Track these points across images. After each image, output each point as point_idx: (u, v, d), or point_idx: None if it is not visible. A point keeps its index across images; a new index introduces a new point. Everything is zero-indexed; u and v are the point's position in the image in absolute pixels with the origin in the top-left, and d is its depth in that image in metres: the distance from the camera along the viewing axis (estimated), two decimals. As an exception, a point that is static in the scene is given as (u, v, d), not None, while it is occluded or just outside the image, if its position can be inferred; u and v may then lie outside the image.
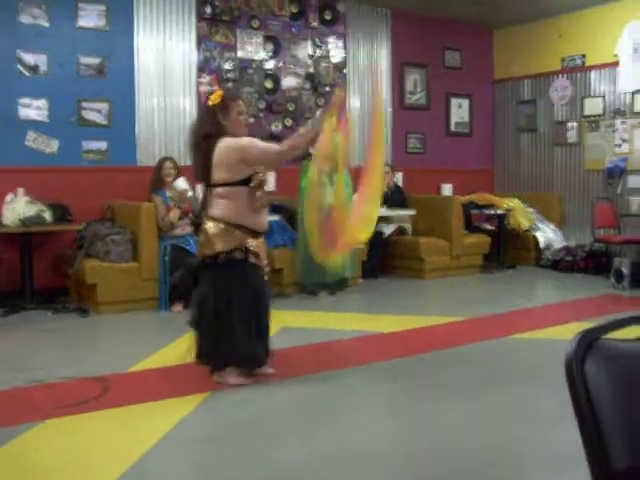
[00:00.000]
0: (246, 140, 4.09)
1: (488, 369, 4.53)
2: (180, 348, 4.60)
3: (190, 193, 6.65)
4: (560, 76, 9.63)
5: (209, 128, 4.11)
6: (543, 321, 6.09)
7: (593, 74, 9.23)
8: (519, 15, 9.58)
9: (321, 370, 4.48)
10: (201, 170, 4.12)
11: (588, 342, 1.01)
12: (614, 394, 0.99)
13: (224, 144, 4.01)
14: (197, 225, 6.90)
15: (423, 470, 3.00)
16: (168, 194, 6.76)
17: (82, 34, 7.18)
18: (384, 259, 8.44)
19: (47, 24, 6.98)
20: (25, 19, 6.87)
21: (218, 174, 4.02)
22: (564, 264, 8.74)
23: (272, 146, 4.25)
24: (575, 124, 9.46)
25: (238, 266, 4.04)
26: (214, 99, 4.20)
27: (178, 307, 6.44)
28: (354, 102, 9.07)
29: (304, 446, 3.25)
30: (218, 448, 3.22)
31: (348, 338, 5.38)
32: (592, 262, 8.54)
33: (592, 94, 9.24)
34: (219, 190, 4.06)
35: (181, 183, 6.65)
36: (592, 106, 9.22)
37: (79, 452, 3.17)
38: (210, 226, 4.06)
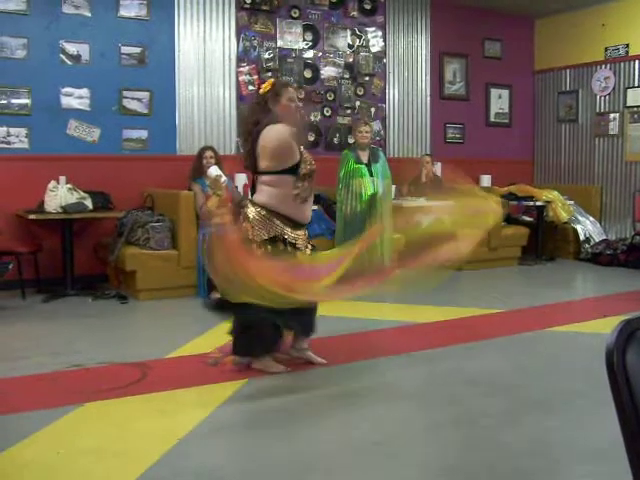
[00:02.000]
0: (279, 136, 4.00)
1: (524, 361, 4.50)
2: (218, 335, 4.65)
3: (224, 179, 6.68)
4: (603, 66, 9.48)
5: (259, 115, 4.11)
6: (581, 314, 6.02)
7: (637, 64, 9.06)
8: (561, 4, 9.44)
9: (358, 359, 4.50)
10: (248, 157, 4.14)
11: (629, 332, 1.00)
12: (655, 385, 0.98)
13: (267, 132, 4.01)
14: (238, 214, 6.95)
15: (456, 460, 2.99)
16: (207, 182, 6.81)
17: (123, 24, 7.25)
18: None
19: (89, 14, 7.06)
20: (68, 9, 6.95)
21: (263, 162, 4.04)
22: (604, 258, 8.62)
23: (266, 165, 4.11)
24: (617, 115, 9.31)
25: (274, 255, 4.02)
26: (265, 87, 4.21)
27: (216, 295, 6.48)
28: (393, 92, 9.04)
29: (338, 435, 3.26)
30: (253, 435, 3.25)
31: (385, 328, 5.38)
32: (633, 256, 8.40)
33: (635, 84, 9.07)
34: (264, 178, 4.07)
35: (213, 170, 6.68)
36: (635, 97, 9.06)
37: (116, 436, 3.22)
38: (251, 210, 4.06)
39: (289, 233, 4.06)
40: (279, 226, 4.04)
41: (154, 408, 3.60)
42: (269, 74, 8.03)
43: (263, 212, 4.03)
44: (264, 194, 4.07)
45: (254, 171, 4.17)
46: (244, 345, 4.15)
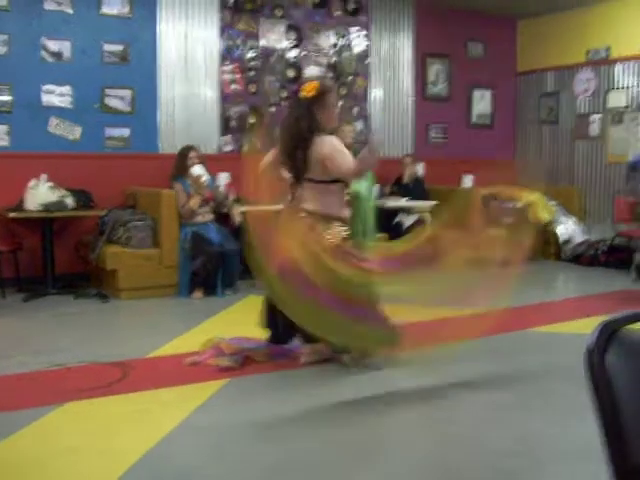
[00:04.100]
0: (332, 149, 4.03)
1: (504, 362, 4.52)
2: (200, 335, 4.63)
3: (205, 178, 6.66)
4: (584, 68, 9.54)
5: (310, 122, 4.03)
6: (562, 315, 6.05)
7: (618, 66, 9.14)
8: (543, 6, 9.49)
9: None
10: (297, 164, 4.08)
11: (610, 332, 1.01)
12: (635, 386, 0.98)
13: (322, 144, 4.00)
14: (219, 214, 6.94)
15: (436, 458, 3.01)
16: (189, 181, 6.79)
17: (106, 21, 7.20)
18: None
19: (71, 11, 7.01)
20: (49, 6, 6.90)
21: (316, 171, 4.04)
22: (585, 258, 8.69)
23: (345, 165, 4.05)
24: (598, 117, 9.38)
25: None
26: (309, 91, 4.08)
27: (198, 294, 6.48)
28: (376, 92, 9.05)
29: (321, 435, 3.27)
30: (235, 435, 3.24)
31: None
32: (613, 257, 8.47)
33: (616, 87, 9.15)
34: (331, 187, 4.09)
35: (197, 169, 6.67)
36: (616, 99, 9.14)
37: (97, 435, 3.21)
38: (334, 227, 4.08)
39: (345, 233, 4.15)
40: (338, 227, 4.11)
41: (135, 408, 3.58)
42: (252, 73, 8.03)
43: (324, 217, 4.06)
44: (318, 201, 4.08)
45: (299, 178, 4.11)
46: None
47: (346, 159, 4.02)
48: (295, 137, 4.06)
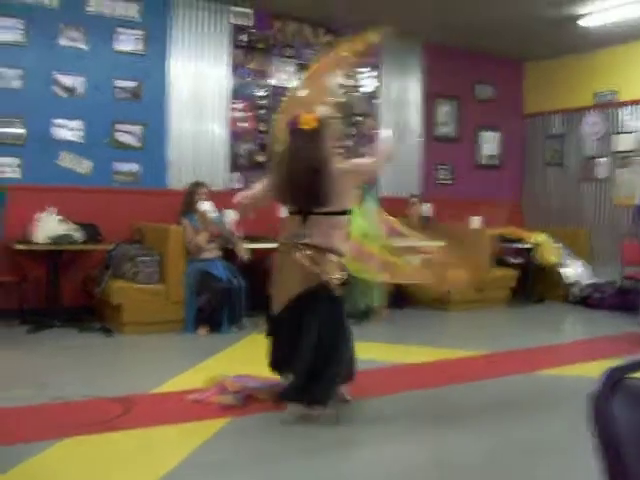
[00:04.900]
0: (349, 162, 4.09)
1: (510, 404, 4.47)
2: (204, 372, 4.61)
3: (212, 215, 6.68)
4: (592, 111, 9.60)
5: (323, 154, 3.92)
6: (568, 358, 6.01)
7: (625, 110, 9.19)
8: (551, 49, 9.58)
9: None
10: (307, 196, 3.95)
11: (614, 380, 1.00)
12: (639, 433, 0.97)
13: (336, 164, 3.96)
14: (226, 250, 6.95)
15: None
16: (196, 217, 6.81)
17: (119, 57, 7.30)
18: (409, 289, 8.40)
19: (85, 47, 7.11)
20: (64, 42, 7.01)
21: (331, 199, 3.91)
22: (592, 301, 8.65)
23: (366, 163, 4.27)
24: (605, 160, 9.40)
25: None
26: (309, 124, 3.93)
27: (203, 331, 6.46)
28: (385, 133, 9.09)
29: (322, 476, 3.23)
30: (236, 473, 3.21)
31: (371, 368, 5.35)
32: (621, 299, 8.42)
33: (623, 130, 9.19)
34: (340, 219, 4.03)
35: (205, 205, 6.69)
36: (623, 142, 9.17)
37: (97, 471, 3.17)
38: (337, 259, 4.01)
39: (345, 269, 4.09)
40: (339, 262, 4.03)
41: (137, 444, 3.55)
42: (262, 111, 8.10)
43: (326, 252, 3.98)
44: (325, 235, 3.98)
45: (308, 210, 3.99)
46: (316, 393, 3.95)
47: (364, 160, 4.28)
48: (305, 171, 3.88)
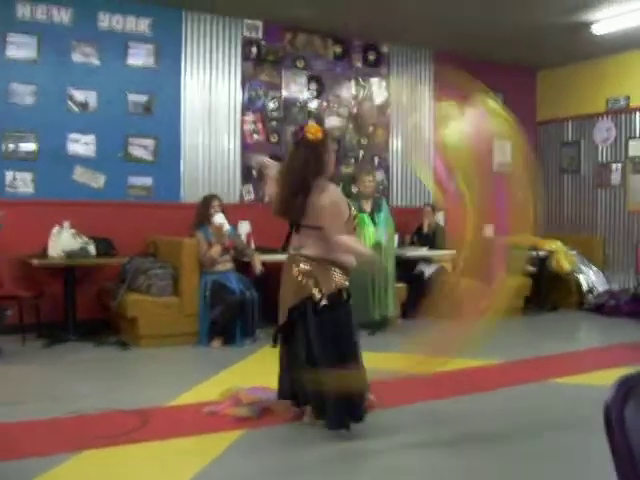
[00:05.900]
0: (331, 205, 3.84)
1: (525, 413, 4.45)
2: (218, 384, 4.61)
3: (226, 227, 6.69)
4: (604, 117, 9.57)
5: (319, 167, 3.87)
6: (583, 366, 5.97)
7: (638, 115, 9.16)
8: (562, 56, 9.57)
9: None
10: (298, 208, 3.86)
11: (627, 388, 1.00)
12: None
13: (324, 193, 3.83)
14: (240, 263, 6.96)
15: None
16: (210, 230, 6.83)
17: (131, 72, 7.36)
18: (424, 299, 8.37)
19: (98, 62, 7.17)
20: (77, 57, 7.07)
21: (321, 220, 3.82)
22: (607, 308, 8.60)
23: (334, 230, 3.83)
24: (619, 166, 9.37)
25: (343, 308, 3.93)
26: (315, 134, 3.89)
27: (217, 343, 6.47)
28: (396, 143, 9.11)
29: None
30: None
31: (384, 378, 5.32)
32: (636, 306, 8.37)
33: (637, 135, 9.16)
34: (319, 232, 3.85)
35: (218, 218, 6.71)
36: (637, 147, 9.14)
37: (115, 485, 3.18)
38: (310, 264, 3.88)
39: (345, 282, 3.96)
40: (339, 274, 3.91)
41: (153, 456, 3.56)
42: (273, 123, 8.14)
43: (324, 264, 3.88)
44: (319, 247, 3.88)
45: (298, 222, 3.93)
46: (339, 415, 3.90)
47: (339, 224, 3.85)
48: (298, 181, 3.84)
